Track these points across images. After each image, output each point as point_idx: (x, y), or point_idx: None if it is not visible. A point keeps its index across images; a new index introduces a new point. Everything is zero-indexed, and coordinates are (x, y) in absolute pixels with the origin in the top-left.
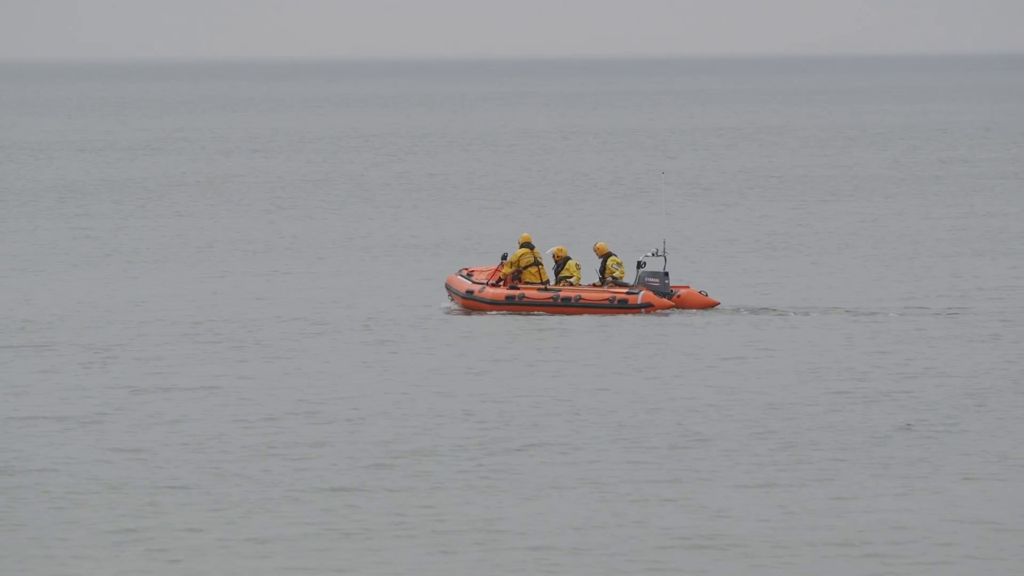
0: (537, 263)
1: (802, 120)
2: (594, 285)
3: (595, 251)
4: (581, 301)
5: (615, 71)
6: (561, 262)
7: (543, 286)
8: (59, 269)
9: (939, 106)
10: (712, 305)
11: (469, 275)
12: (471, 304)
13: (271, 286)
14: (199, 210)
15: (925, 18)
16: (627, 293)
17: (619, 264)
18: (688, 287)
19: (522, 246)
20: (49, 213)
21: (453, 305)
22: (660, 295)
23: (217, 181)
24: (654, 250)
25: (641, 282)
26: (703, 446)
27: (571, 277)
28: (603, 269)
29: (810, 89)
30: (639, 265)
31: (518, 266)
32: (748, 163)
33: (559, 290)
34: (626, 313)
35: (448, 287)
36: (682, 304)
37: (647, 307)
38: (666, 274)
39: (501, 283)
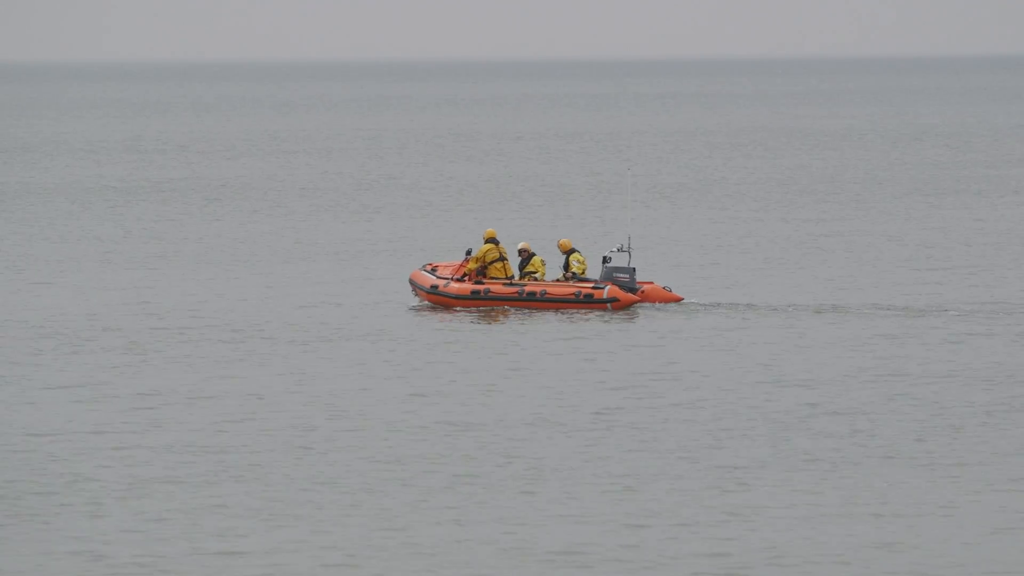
0: (502, 258)
1: (778, 122)
2: (558, 281)
3: (559, 247)
4: (547, 296)
5: (613, 72)
6: (526, 258)
7: (508, 281)
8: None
9: (927, 108)
10: (675, 301)
11: (433, 270)
12: (435, 299)
13: (240, 289)
14: (179, 212)
15: (923, 20)
16: (593, 288)
17: (581, 261)
18: (652, 283)
19: (487, 241)
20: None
21: (418, 300)
22: (628, 290)
23: (213, 184)
24: (619, 246)
25: (609, 277)
26: (704, 446)
27: (536, 273)
28: (566, 265)
29: (797, 91)
30: (604, 260)
31: (483, 261)
32: (723, 165)
33: (524, 285)
34: (591, 308)
35: (412, 282)
36: (646, 300)
37: (612, 302)
38: (633, 269)
39: (466, 278)
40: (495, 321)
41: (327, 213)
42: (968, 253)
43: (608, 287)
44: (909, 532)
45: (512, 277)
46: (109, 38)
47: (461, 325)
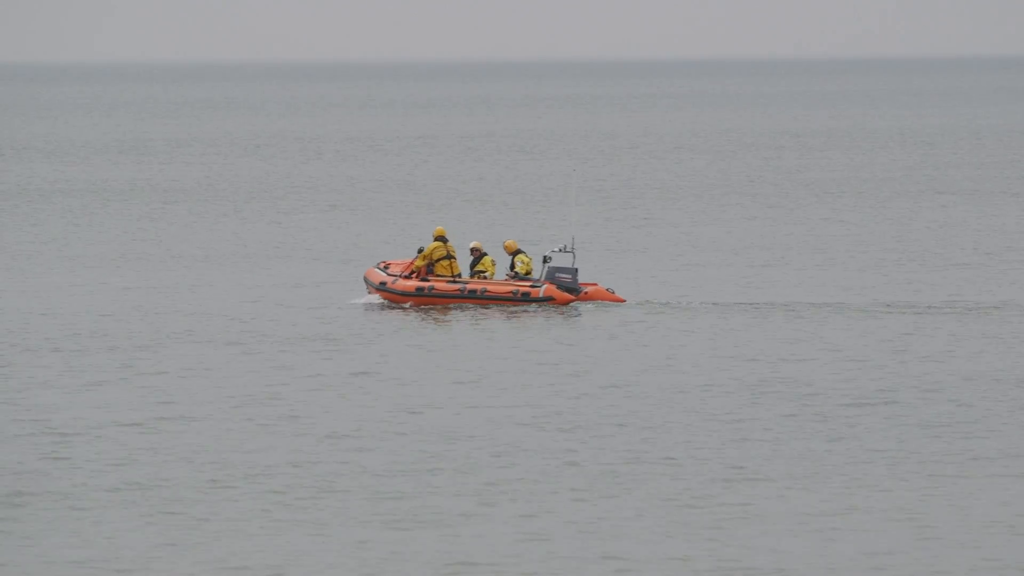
0: (450, 256)
1: (750, 123)
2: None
3: (504, 248)
4: (487, 294)
5: (608, 73)
6: (477, 257)
7: (452, 279)
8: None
9: (923, 110)
10: (618, 302)
11: (386, 267)
12: (384, 295)
13: (198, 293)
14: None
15: (919, 22)
16: (530, 287)
17: (525, 262)
18: (596, 284)
19: (436, 239)
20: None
21: (371, 297)
22: (570, 291)
23: (201, 185)
24: (561, 246)
25: (551, 277)
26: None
27: (485, 272)
28: (512, 265)
29: (784, 93)
30: (544, 260)
31: (431, 259)
32: (695, 167)
33: (466, 283)
34: (528, 305)
35: (365, 279)
36: (588, 300)
37: (548, 300)
38: (576, 270)
39: (414, 275)
40: (453, 322)
41: (311, 213)
42: (932, 250)
43: (545, 286)
44: (903, 533)
45: (459, 275)
46: (108, 39)
47: (429, 326)
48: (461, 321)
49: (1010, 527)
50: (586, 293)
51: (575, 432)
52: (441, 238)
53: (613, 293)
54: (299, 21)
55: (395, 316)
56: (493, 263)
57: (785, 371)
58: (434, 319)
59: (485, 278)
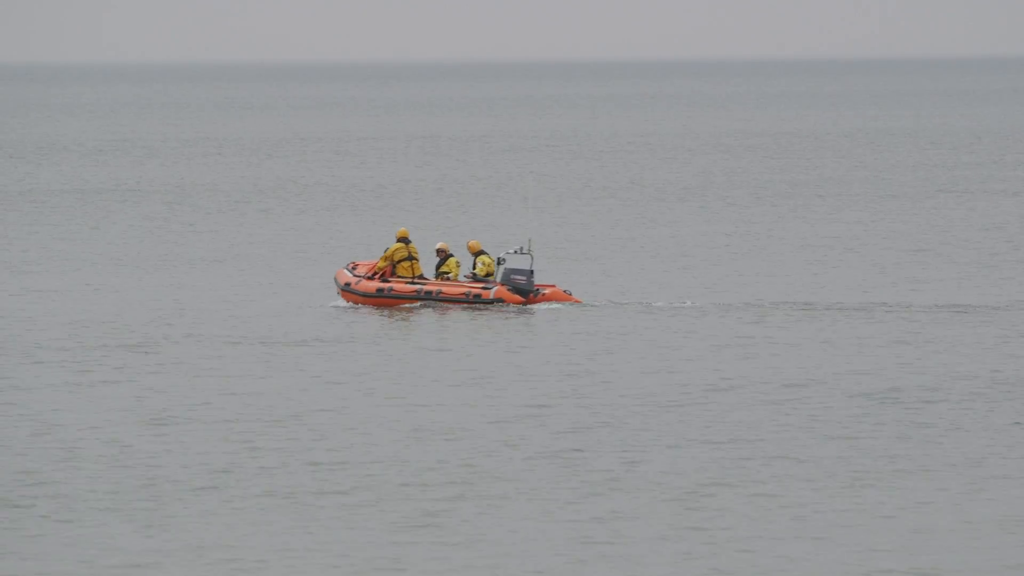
0: (411, 258)
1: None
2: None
3: (468, 249)
4: (441, 295)
5: (605, 74)
6: (443, 258)
7: (411, 280)
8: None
9: (904, 111)
10: (574, 303)
11: (354, 268)
12: (348, 296)
13: (176, 293)
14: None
15: (916, 22)
16: (482, 289)
17: (486, 263)
18: (554, 286)
19: (398, 240)
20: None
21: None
22: (525, 292)
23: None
24: (517, 248)
25: (507, 279)
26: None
27: (449, 273)
28: (473, 266)
29: (773, 93)
30: (499, 262)
31: (392, 260)
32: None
33: (423, 284)
34: (480, 306)
35: (335, 280)
36: (544, 302)
37: (498, 302)
38: (531, 272)
39: (376, 276)
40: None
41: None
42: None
43: (496, 288)
44: (901, 533)
45: (420, 276)
46: (107, 39)
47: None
48: (426, 323)
49: (1011, 527)
50: (544, 295)
51: (568, 433)
52: (403, 239)
53: (570, 295)
54: (298, 21)
55: (368, 318)
56: (458, 264)
57: (760, 369)
58: (393, 320)
59: (448, 279)
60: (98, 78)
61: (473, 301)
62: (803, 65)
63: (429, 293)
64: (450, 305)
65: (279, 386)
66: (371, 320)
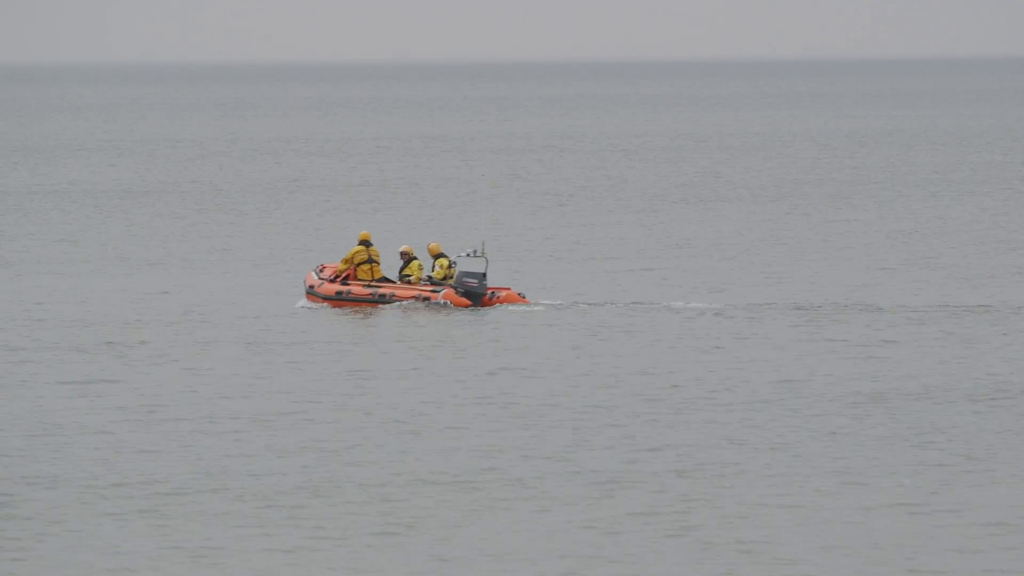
0: (371, 261)
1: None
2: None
3: (428, 251)
4: (394, 298)
5: (601, 74)
6: (406, 261)
7: (367, 283)
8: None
9: (864, 111)
10: (523, 303)
11: (321, 271)
12: (312, 299)
13: (147, 294)
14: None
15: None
16: (431, 292)
17: (444, 267)
18: (508, 288)
19: (360, 243)
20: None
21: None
22: (477, 295)
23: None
24: (471, 251)
25: (459, 282)
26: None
27: (411, 276)
28: (432, 268)
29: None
30: (450, 265)
31: (352, 263)
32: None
33: (379, 287)
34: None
35: (304, 282)
36: (493, 305)
37: (445, 305)
38: (483, 275)
39: (338, 279)
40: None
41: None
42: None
43: (444, 292)
44: (884, 534)
45: (380, 279)
46: (108, 40)
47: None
48: (381, 326)
49: (1011, 527)
50: (498, 297)
51: (558, 432)
52: (364, 242)
53: (523, 297)
54: (298, 22)
55: (327, 321)
56: (420, 267)
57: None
58: (348, 323)
59: (410, 282)
60: (97, 79)
61: (424, 304)
62: (793, 66)
63: (383, 296)
64: (400, 308)
65: (260, 386)
66: (332, 322)
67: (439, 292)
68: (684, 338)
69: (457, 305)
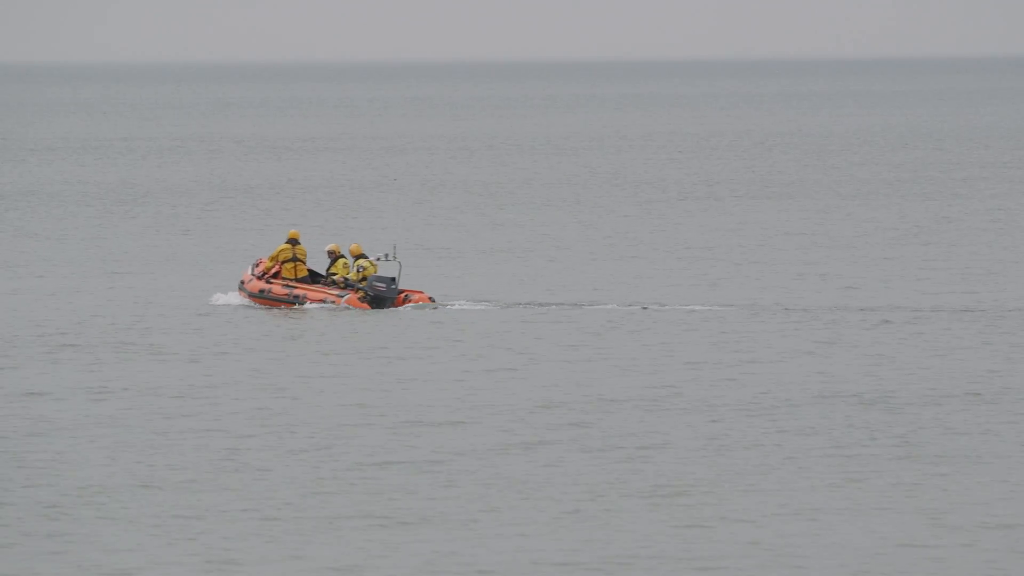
0: (296, 259)
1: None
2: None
3: (349, 252)
4: (305, 299)
5: (594, 75)
6: (333, 260)
7: (286, 283)
8: None
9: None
10: (428, 304)
11: (258, 266)
12: (241, 293)
13: (93, 295)
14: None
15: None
16: (336, 295)
17: (364, 267)
18: (421, 292)
19: (287, 241)
20: None
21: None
22: (386, 299)
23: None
24: (383, 254)
25: (370, 285)
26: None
27: (336, 275)
28: (354, 270)
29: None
30: (359, 269)
31: (278, 261)
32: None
33: (295, 288)
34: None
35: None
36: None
37: (346, 309)
38: (393, 279)
39: (266, 276)
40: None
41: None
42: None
43: (347, 296)
44: (879, 536)
45: (303, 278)
46: (103, 39)
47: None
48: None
49: (1011, 527)
50: (410, 300)
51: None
52: (292, 241)
53: (432, 300)
54: (293, 21)
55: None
56: (346, 266)
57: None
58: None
59: (335, 281)
60: (92, 78)
61: (332, 306)
62: (791, 67)
63: (297, 297)
64: (309, 310)
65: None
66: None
67: (343, 296)
68: (604, 338)
69: (357, 308)
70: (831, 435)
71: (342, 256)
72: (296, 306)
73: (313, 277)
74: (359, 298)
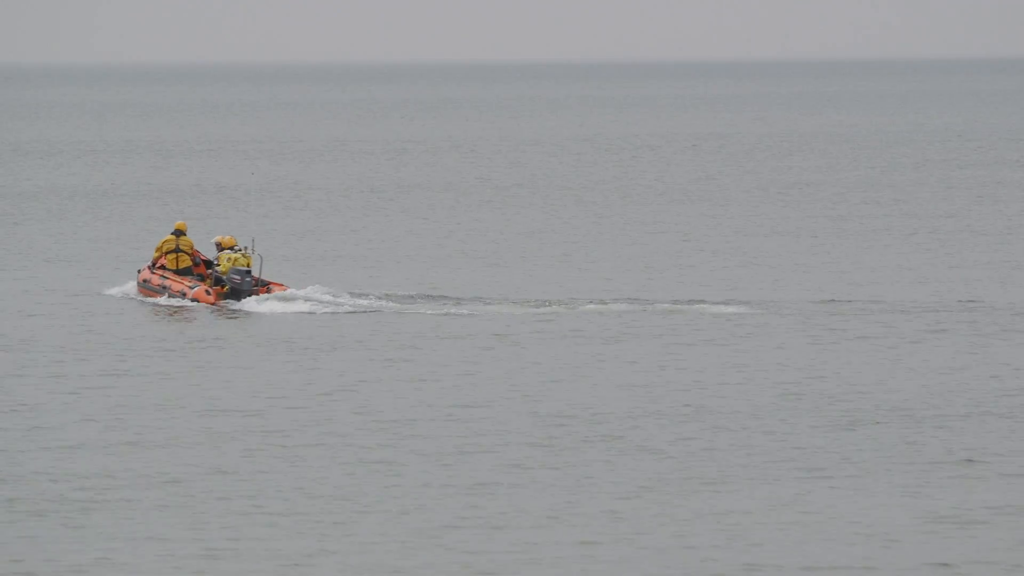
0: (178, 250)
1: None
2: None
3: (222, 244)
4: (170, 292)
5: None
6: (219, 251)
7: (163, 273)
8: None
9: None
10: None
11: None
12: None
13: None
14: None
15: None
16: (189, 288)
17: (232, 259)
18: (282, 284)
19: (172, 232)
20: None
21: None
22: (243, 293)
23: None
24: (242, 248)
25: (228, 278)
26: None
27: (219, 266)
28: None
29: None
30: (211, 263)
31: (162, 251)
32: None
33: (165, 278)
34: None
35: None
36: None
37: (195, 301)
38: (247, 271)
39: (153, 267)
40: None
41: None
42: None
43: (196, 289)
44: (876, 543)
45: (182, 269)
46: (99, 40)
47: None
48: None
49: (1008, 519)
50: (272, 291)
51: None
52: (177, 232)
53: (286, 287)
54: (289, 23)
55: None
56: (229, 260)
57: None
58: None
59: (217, 272)
60: (86, 79)
61: (181, 298)
62: (788, 68)
63: (163, 288)
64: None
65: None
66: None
67: (192, 289)
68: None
69: (204, 302)
70: (836, 437)
71: (228, 248)
72: (167, 297)
73: (208, 267)
74: (206, 290)
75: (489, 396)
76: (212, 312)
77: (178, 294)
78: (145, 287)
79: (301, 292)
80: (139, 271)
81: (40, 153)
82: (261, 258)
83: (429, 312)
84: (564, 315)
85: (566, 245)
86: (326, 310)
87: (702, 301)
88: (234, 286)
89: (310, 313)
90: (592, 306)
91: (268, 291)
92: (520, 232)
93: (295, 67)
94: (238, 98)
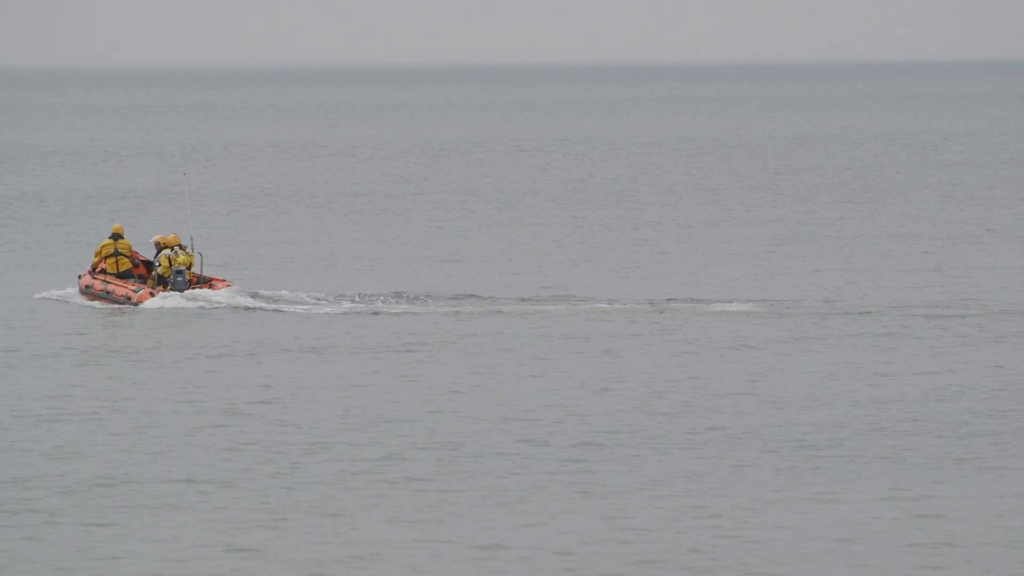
0: (117, 253)
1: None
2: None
3: (164, 243)
4: (113, 295)
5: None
6: (158, 251)
7: (104, 278)
8: None
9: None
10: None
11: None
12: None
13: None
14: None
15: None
16: (133, 291)
17: (172, 260)
18: (224, 280)
19: (111, 236)
20: None
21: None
22: (181, 290)
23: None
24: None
25: (171, 279)
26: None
27: (159, 266)
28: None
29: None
30: (150, 263)
31: (101, 255)
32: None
33: (108, 283)
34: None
35: None
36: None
37: (133, 304)
38: (181, 271)
39: (94, 271)
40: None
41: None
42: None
43: (140, 291)
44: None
45: (122, 272)
46: (96, 43)
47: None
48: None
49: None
50: (214, 287)
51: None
52: (114, 235)
53: (228, 282)
54: (285, 25)
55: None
56: (169, 260)
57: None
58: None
59: (157, 273)
60: (82, 82)
61: (123, 302)
62: (785, 70)
63: (106, 292)
64: (115, 305)
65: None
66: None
67: (136, 292)
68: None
69: (137, 301)
70: (837, 437)
71: (167, 248)
72: (108, 301)
73: (148, 267)
74: (150, 292)
75: (482, 399)
76: (160, 315)
77: (122, 299)
78: (88, 292)
79: (227, 292)
80: (80, 276)
81: None
82: (201, 255)
83: (416, 312)
84: (565, 315)
85: (562, 243)
86: (250, 306)
87: (702, 301)
88: (175, 285)
89: (229, 309)
90: (581, 304)
91: (210, 287)
92: (519, 233)
93: (295, 68)
94: (210, 100)
